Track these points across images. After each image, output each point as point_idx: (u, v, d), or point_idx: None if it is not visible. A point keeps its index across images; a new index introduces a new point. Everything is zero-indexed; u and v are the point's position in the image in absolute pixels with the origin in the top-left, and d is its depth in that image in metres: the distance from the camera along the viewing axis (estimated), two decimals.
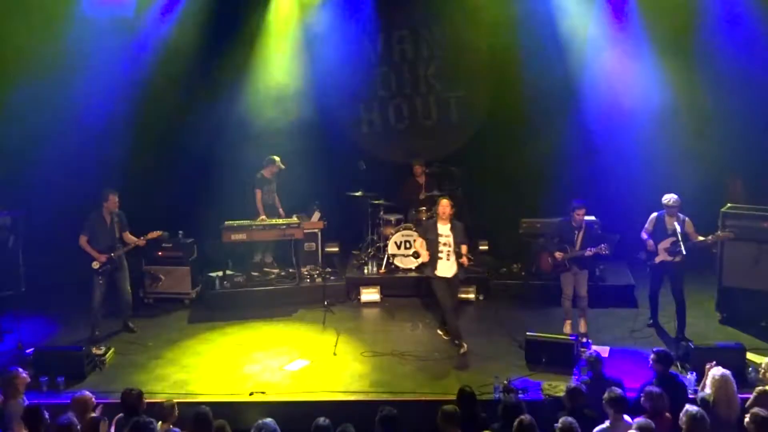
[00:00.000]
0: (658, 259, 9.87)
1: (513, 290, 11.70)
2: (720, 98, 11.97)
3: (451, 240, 9.69)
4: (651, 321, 10.36)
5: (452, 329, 9.90)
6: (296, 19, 12.95)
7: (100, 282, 10.17)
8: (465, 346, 9.66)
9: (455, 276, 9.83)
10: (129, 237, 10.42)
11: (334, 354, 9.80)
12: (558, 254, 9.91)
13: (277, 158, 12.14)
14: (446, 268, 9.71)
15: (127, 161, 12.78)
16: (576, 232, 9.94)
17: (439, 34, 13.29)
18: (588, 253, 9.77)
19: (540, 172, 12.79)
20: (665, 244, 9.79)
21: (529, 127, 12.79)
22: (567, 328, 10.04)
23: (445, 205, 9.76)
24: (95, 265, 10.14)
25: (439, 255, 9.67)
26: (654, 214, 9.99)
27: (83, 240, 10.15)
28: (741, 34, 11.77)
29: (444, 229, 9.74)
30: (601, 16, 12.46)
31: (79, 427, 6.36)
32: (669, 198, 9.80)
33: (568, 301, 10.04)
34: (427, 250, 9.72)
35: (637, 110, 12.56)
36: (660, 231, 9.87)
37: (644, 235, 9.99)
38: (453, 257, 9.69)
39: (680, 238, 9.51)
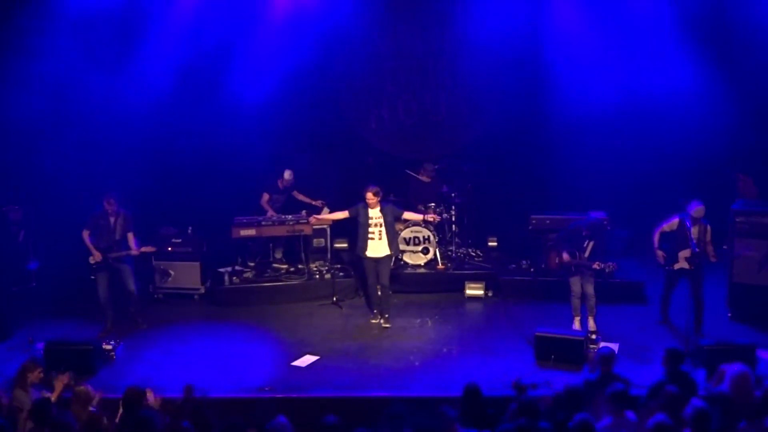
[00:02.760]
0: (677, 266, 9.63)
1: (522, 286, 11.67)
2: (731, 92, 11.94)
3: (381, 221, 10.24)
4: (661, 319, 10.27)
5: (374, 302, 10.67)
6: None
7: (93, 278, 10.18)
8: (379, 319, 10.49)
9: (386, 257, 10.36)
10: (130, 240, 10.32)
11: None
12: (566, 256, 9.93)
13: (286, 173, 12.20)
14: (376, 248, 10.30)
15: (138, 155, 12.85)
16: (587, 240, 9.94)
17: (448, 34, 13.27)
18: (595, 266, 9.77)
19: (550, 168, 12.79)
20: (686, 253, 9.52)
21: (539, 122, 12.77)
22: (576, 325, 10.03)
23: (370, 198, 10.17)
24: (91, 260, 10.19)
25: (370, 236, 10.25)
26: (676, 219, 9.62)
27: (84, 234, 10.22)
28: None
29: (374, 212, 10.26)
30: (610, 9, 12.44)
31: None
32: (698, 209, 9.46)
33: (577, 299, 10.04)
34: (359, 231, 10.32)
35: (646, 106, 12.55)
36: (682, 238, 9.53)
37: (656, 242, 9.76)
38: (385, 238, 10.25)
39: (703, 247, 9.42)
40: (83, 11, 12.26)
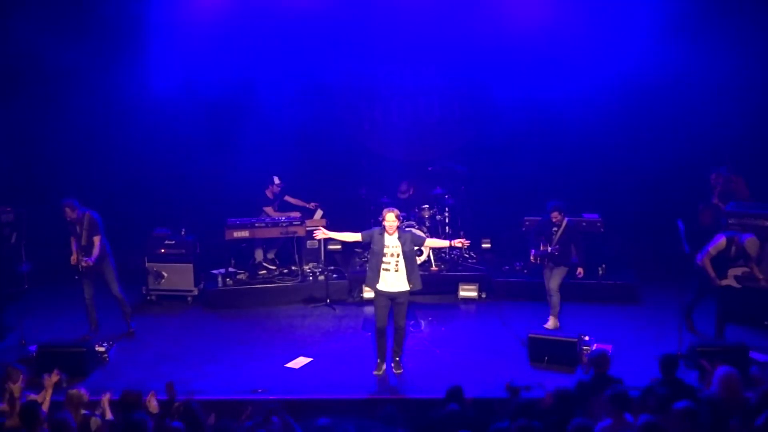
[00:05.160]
0: (724, 282, 9.47)
1: (515, 288, 11.67)
2: (723, 94, 11.97)
3: (399, 250, 8.72)
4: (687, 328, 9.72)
5: (380, 348, 9.02)
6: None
7: (77, 278, 10.04)
8: (383, 369, 9.00)
9: (404, 293, 8.82)
10: (95, 244, 9.90)
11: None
12: (532, 253, 10.04)
13: (276, 179, 12.16)
14: (391, 282, 8.77)
15: (132, 157, 12.87)
16: (555, 229, 9.98)
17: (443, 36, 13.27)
18: (544, 249, 9.84)
19: (544, 170, 12.82)
20: (737, 271, 9.45)
21: (533, 124, 12.78)
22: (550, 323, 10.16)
23: (390, 221, 8.70)
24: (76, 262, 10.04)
25: (384, 267, 8.75)
26: (722, 239, 9.37)
27: (72, 240, 10.02)
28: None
29: (391, 239, 8.75)
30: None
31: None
32: (756, 245, 9.20)
33: (549, 297, 10.14)
34: (371, 261, 8.95)
35: (639, 108, 12.58)
36: (729, 256, 9.40)
37: (711, 269, 9.42)
38: (403, 270, 8.74)
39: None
40: (87, 12, 12.31)
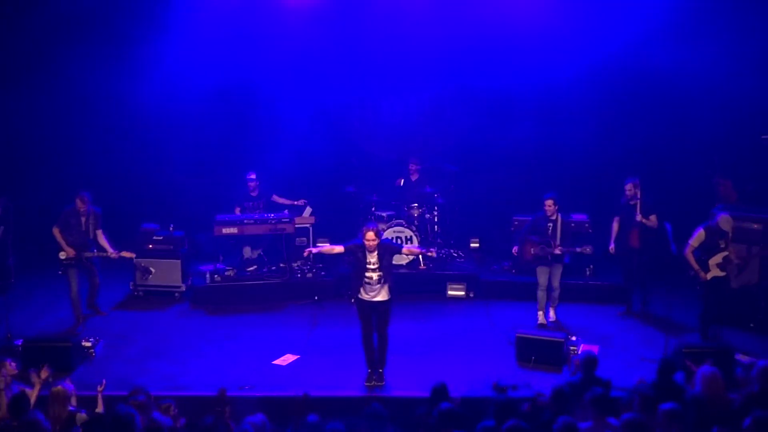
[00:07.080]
0: (710, 275, 9.51)
1: (503, 287, 11.68)
2: (709, 97, 12.02)
3: (379, 264, 8.79)
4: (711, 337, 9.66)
5: (369, 359, 9.02)
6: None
7: (60, 273, 10.26)
8: (373, 380, 8.91)
9: (384, 302, 8.89)
10: (101, 238, 10.40)
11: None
12: (533, 248, 10.11)
13: (248, 175, 12.15)
14: (373, 292, 8.85)
15: (120, 153, 12.82)
16: (550, 224, 10.02)
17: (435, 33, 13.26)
18: (557, 251, 9.92)
19: (533, 170, 12.84)
20: (717, 259, 9.49)
21: (524, 124, 12.80)
22: (540, 319, 10.21)
23: (370, 239, 8.69)
24: (62, 255, 10.21)
25: (366, 281, 8.80)
26: (701, 231, 9.52)
27: (55, 230, 10.26)
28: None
29: (371, 256, 8.79)
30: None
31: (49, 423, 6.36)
32: (729, 221, 9.48)
33: (542, 292, 10.22)
34: (352, 275, 8.99)
35: (630, 109, 12.63)
36: (711, 245, 9.51)
37: (694, 262, 9.53)
38: (384, 282, 8.80)
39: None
40: (82, 7, 12.28)
